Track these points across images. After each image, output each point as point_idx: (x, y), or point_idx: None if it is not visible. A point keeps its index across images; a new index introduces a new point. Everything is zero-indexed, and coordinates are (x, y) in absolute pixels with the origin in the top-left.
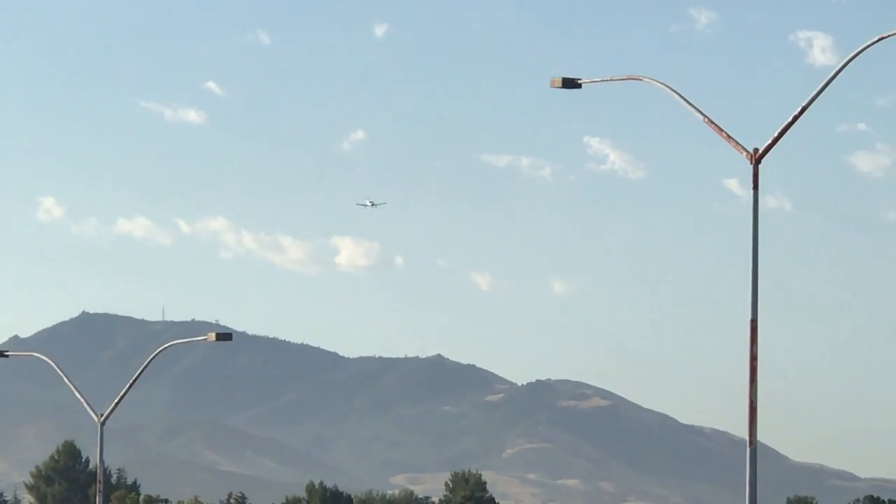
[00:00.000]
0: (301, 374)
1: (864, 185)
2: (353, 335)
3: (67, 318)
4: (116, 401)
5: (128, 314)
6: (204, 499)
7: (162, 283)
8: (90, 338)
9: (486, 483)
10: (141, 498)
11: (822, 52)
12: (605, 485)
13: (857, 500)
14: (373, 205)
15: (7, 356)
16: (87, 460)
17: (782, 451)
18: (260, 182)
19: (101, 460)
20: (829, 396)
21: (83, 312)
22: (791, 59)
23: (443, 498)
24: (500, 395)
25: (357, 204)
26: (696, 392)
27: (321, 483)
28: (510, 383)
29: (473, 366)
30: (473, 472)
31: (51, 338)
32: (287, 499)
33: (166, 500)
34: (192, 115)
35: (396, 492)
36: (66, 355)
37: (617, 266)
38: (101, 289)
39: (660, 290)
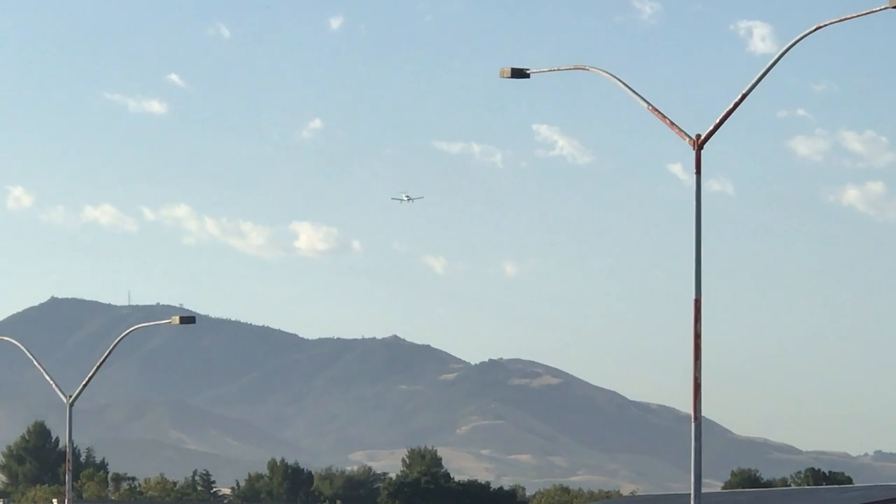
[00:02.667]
0: (262, 355)
1: (804, 168)
2: (313, 317)
3: (37, 303)
4: (84, 382)
5: (95, 299)
6: (169, 477)
7: (127, 269)
8: (59, 322)
9: (441, 459)
10: (109, 476)
11: (762, 40)
12: (557, 459)
13: (799, 472)
14: (409, 199)
15: None
16: (57, 440)
17: (727, 426)
18: (221, 170)
19: (71, 440)
20: (771, 373)
21: (52, 297)
22: (732, 48)
23: (400, 473)
24: (455, 374)
25: (393, 198)
26: (643, 370)
27: (282, 460)
28: (464, 363)
29: (429, 346)
30: (429, 448)
31: (21, 322)
32: (250, 476)
33: (133, 479)
34: (156, 106)
35: (355, 468)
36: (35, 339)
37: (566, 249)
38: (69, 274)
39: (607, 271)
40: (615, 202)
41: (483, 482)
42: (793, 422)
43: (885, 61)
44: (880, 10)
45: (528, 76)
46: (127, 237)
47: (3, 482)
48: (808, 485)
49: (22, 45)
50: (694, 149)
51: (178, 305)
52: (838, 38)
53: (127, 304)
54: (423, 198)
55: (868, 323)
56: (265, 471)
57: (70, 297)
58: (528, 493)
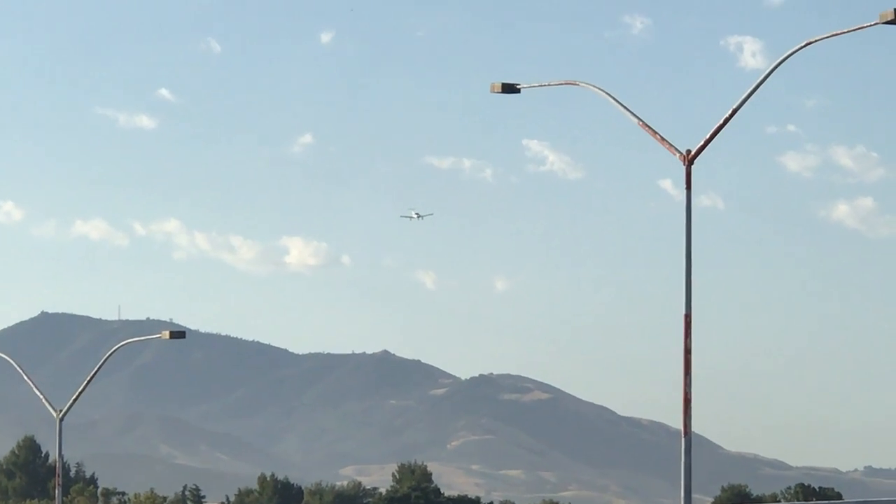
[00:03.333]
0: (252, 370)
1: (794, 184)
2: (303, 332)
3: (27, 318)
4: (74, 397)
5: (85, 313)
6: (159, 491)
7: (118, 283)
8: (49, 336)
9: (431, 474)
10: (98, 491)
11: (752, 55)
12: (547, 475)
13: (789, 487)
14: (419, 216)
15: None
16: (47, 455)
17: (717, 442)
18: (212, 185)
19: (60, 454)
20: (762, 389)
21: (42, 312)
22: (723, 63)
23: (390, 489)
24: (445, 390)
25: (402, 216)
26: (634, 385)
27: (272, 475)
28: (454, 378)
29: (419, 361)
30: (419, 463)
31: (11, 336)
32: (240, 491)
33: (123, 493)
34: (146, 121)
35: (345, 483)
36: (25, 353)
37: (556, 264)
38: (59, 289)
39: (598, 286)
40: (605, 217)
41: (473, 497)
42: (783, 437)
43: (875, 77)
44: (871, 25)
45: (518, 91)
46: (117, 252)
47: None
48: (798, 500)
49: (13, 60)
50: (684, 164)
51: (168, 320)
52: (829, 53)
53: (117, 318)
54: (432, 214)
55: (858, 338)
56: (255, 486)
57: (60, 311)
58: None
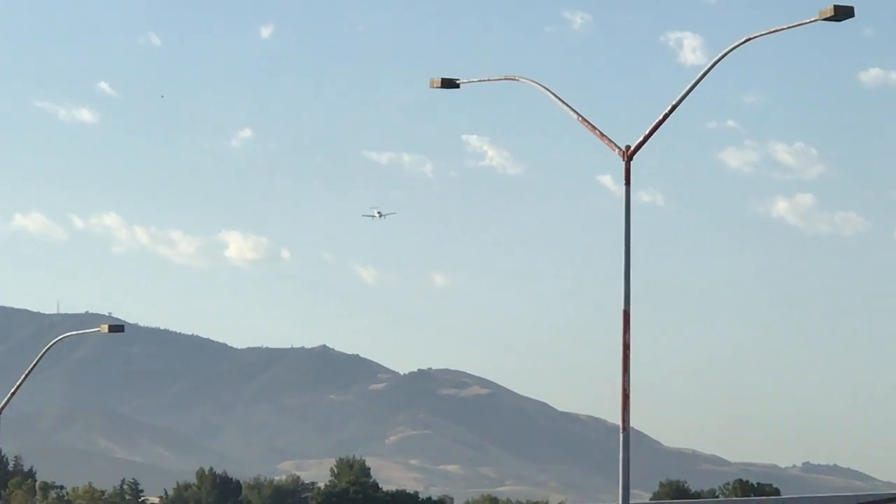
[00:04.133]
0: (191, 364)
1: (734, 180)
2: (242, 327)
3: None
4: (12, 391)
5: (24, 307)
6: (98, 485)
7: (57, 277)
8: None
9: (370, 469)
10: (37, 484)
11: (692, 51)
12: (485, 470)
13: (727, 483)
14: (381, 215)
15: None
16: None
17: (655, 438)
18: (151, 179)
19: None
20: (700, 385)
21: None
22: (662, 59)
23: (328, 483)
24: (384, 384)
25: (363, 216)
26: (572, 381)
27: (211, 469)
28: (393, 373)
29: (358, 356)
30: (358, 458)
31: None
32: (178, 485)
33: (61, 487)
34: (86, 115)
35: (284, 477)
36: None
37: (496, 259)
38: None
39: (537, 282)
40: (545, 213)
41: (412, 492)
42: (722, 433)
43: (814, 73)
44: (810, 22)
45: (458, 86)
46: (56, 245)
47: None
48: (737, 496)
49: None
50: (623, 160)
51: (107, 314)
52: (768, 49)
53: (56, 312)
54: (395, 213)
55: (797, 335)
56: (194, 480)
57: None
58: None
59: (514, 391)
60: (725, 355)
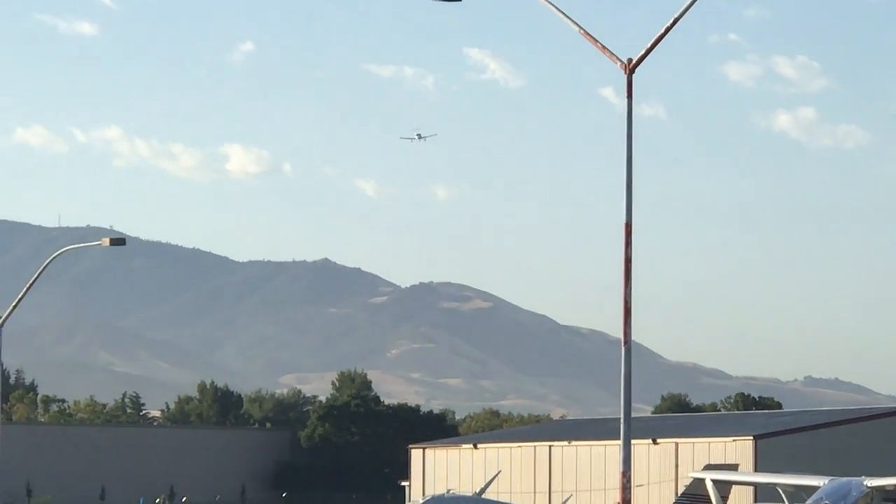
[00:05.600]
0: (192, 277)
1: (735, 94)
2: (243, 240)
3: None
4: (13, 304)
5: (24, 220)
6: (99, 399)
7: (58, 190)
8: None
9: (371, 382)
10: (38, 398)
11: None
12: (486, 383)
13: (729, 397)
14: (421, 137)
15: None
16: None
17: (657, 351)
18: (152, 92)
19: (0, 362)
20: (702, 298)
21: None
22: None
23: (329, 397)
24: (385, 298)
25: (402, 138)
26: (574, 294)
27: (212, 383)
28: (394, 286)
29: (359, 269)
30: (359, 371)
31: None
32: (179, 398)
33: (63, 401)
34: (86, 27)
35: (285, 391)
36: None
37: (497, 172)
38: None
39: (539, 195)
40: (546, 126)
41: (413, 405)
42: (723, 347)
43: None
44: None
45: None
46: (57, 158)
47: None
48: (738, 409)
49: None
50: (625, 73)
51: (108, 227)
52: None
53: (57, 225)
54: (436, 135)
55: (799, 249)
56: (195, 393)
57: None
58: (457, 417)
59: (516, 304)
60: (727, 269)
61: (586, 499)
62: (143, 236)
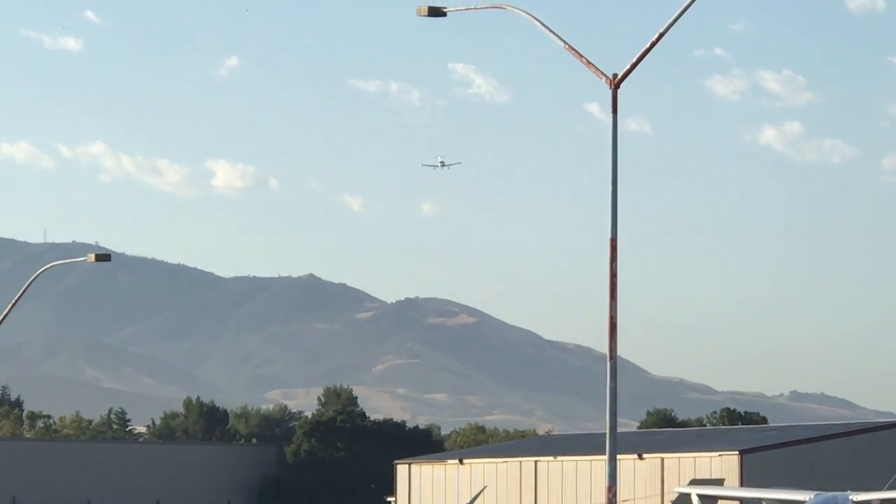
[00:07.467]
0: (178, 293)
1: (721, 108)
2: (229, 255)
3: None
4: None
5: (10, 236)
6: (85, 415)
7: (44, 206)
8: None
9: (357, 398)
10: (24, 414)
11: None
12: (472, 399)
13: (715, 412)
14: (444, 165)
15: None
16: None
17: (643, 366)
18: (138, 108)
19: None
20: (688, 313)
21: None
22: None
23: (315, 412)
24: (371, 313)
25: (423, 165)
26: (559, 309)
27: (198, 398)
28: (380, 301)
29: (345, 284)
30: (345, 387)
31: None
32: (165, 414)
33: (48, 416)
34: (71, 43)
35: (271, 406)
36: None
37: (483, 187)
38: None
39: (524, 210)
40: (532, 141)
41: (399, 421)
42: (709, 362)
43: (802, 0)
44: None
45: (444, 14)
46: (43, 174)
47: None
48: (724, 424)
49: None
50: (611, 88)
51: (94, 243)
52: None
53: (43, 241)
54: (460, 163)
55: (785, 263)
56: (181, 409)
57: None
58: (443, 432)
59: (502, 320)
60: (712, 284)
61: None
62: (129, 252)
